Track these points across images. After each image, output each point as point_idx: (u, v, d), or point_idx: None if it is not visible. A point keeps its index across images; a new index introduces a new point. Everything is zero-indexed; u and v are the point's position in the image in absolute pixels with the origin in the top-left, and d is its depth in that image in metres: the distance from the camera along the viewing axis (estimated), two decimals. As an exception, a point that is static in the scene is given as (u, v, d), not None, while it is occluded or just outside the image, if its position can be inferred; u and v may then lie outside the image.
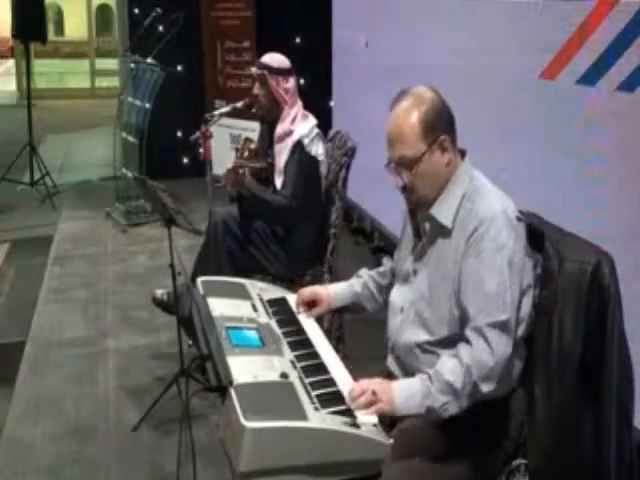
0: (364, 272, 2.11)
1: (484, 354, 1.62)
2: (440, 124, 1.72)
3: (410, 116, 1.71)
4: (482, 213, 1.69)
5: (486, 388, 1.62)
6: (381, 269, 2.09)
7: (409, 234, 1.91)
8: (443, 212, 1.75)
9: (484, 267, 1.66)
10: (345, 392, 1.66)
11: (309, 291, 2.09)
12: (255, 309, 1.99)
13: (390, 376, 1.83)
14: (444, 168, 1.75)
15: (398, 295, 1.89)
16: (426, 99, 1.73)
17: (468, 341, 1.65)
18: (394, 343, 1.86)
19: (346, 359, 1.86)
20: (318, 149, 3.02)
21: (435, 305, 1.75)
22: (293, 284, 2.78)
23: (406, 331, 1.81)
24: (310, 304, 2.07)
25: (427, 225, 1.81)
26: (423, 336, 1.77)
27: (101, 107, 9.83)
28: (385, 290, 2.04)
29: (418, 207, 1.84)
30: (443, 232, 1.76)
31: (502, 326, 1.63)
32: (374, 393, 1.62)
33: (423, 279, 1.80)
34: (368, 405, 1.61)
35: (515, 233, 1.68)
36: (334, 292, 2.08)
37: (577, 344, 1.61)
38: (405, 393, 1.64)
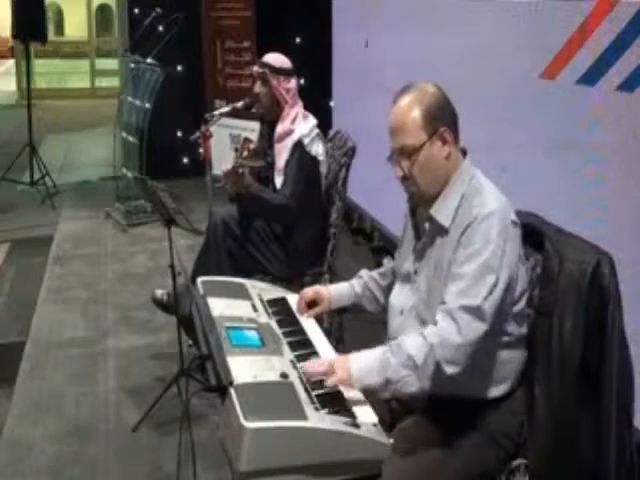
0: (364, 273, 2.11)
1: (451, 333, 1.60)
2: (442, 117, 1.74)
3: (412, 109, 1.73)
4: (476, 210, 1.69)
5: (450, 370, 1.60)
6: (382, 270, 2.09)
7: (410, 234, 1.91)
8: (442, 212, 1.76)
9: (468, 257, 1.65)
10: (345, 392, 1.66)
11: (312, 291, 2.09)
12: (255, 309, 1.99)
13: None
14: (444, 161, 1.75)
15: (398, 296, 1.89)
16: (429, 93, 1.75)
17: (436, 322, 1.65)
18: (394, 344, 1.86)
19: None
20: (318, 149, 3.02)
21: (434, 305, 1.75)
22: (293, 284, 2.78)
23: (406, 332, 1.80)
24: (311, 304, 2.08)
25: (427, 225, 1.82)
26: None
27: (101, 107, 9.83)
28: (386, 291, 2.04)
29: (418, 201, 1.84)
30: (442, 232, 1.76)
31: (473, 310, 1.61)
32: (330, 365, 1.65)
33: (423, 279, 1.80)
34: (323, 374, 1.63)
35: (506, 234, 1.67)
36: (335, 292, 2.08)
37: (577, 344, 1.61)
38: (363, 363, 1.65)
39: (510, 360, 1.71)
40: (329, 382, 1.63)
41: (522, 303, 1.71)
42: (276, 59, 3.07)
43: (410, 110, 1.73)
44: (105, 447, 2.79)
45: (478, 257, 1.64)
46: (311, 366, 1.67)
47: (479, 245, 1.65)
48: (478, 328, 1.61)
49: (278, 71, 3.02)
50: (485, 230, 1.66)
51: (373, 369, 1.63)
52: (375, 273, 2.09)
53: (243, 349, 1.73)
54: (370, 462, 1.54)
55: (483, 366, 1.69)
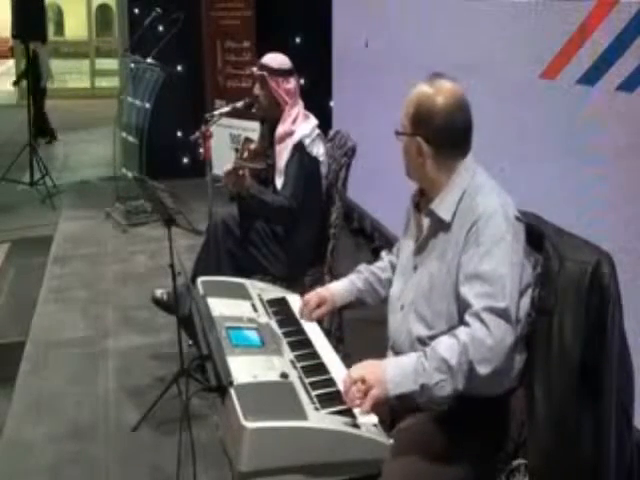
0: (364, 267, 2.10)
1: (482, 334, 1.60)
2: (427, 130, 1.74)
3: (416, 99, 1.76)
4: (481, 208, 1.70)
5: (483, 370, 1.59)
6: (379, 264, 2.09)
7: (412, 229, 1.92)
8: (443, 207, 1.76)
9: (483, 257, 1.65)
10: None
11: (316, 298, 2.06)
12: (255, 309, 1.99)
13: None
14: (419, 165, 1.78)
15: (398, 290, 1.89)
16: (438, 98, 1.73)
17: (467, 324, 1.64)
18: (395, 341, 1.86)
19: (346, 359, 1.86)
20: (319, 149, 3.02)
21: (435, 299, 1.75)
22: (293, 284, 2.77)
23: (407, 327, 1.81)
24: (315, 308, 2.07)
25: (427, 220, 1.82)
26: (424, 331, 1.77)
27: (101, 107, 9.83)
28: (386, 284, 2.04)
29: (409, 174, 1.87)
30: (443, 227, 1.77)
31: (500, 312, 1.61)
32: (363, 381, 1.60)
33: (423, 274, 1.80)
34: (361, 396, 1.59)
35: (513, 231, 1.68)
36: (337, 291, 2.07)
37: (577, 344, 1.60)
38: (397, 370, 1.62)
39: (510, 353, 1.71)
40: (367, 403, 1.58)
41: (527, 300, 1.71)
42: (275, 60, 3.05)
43: (413, 99, 1.76)
44: (105, 447, 2.79)
45: (492, 256, 1.65)
46: (347, 391, 1.61)
47: (490, 244, 1.66)
48: (506, 330, 1.61)
49: (277, 72, 3.01)
50: (494, 228, 1.67)
51: (409, 377, 1.61)
52: (375, 267, 2.09)
53: (243, 349, 1.72)
54: (370, 462, 1.54)
55: None
